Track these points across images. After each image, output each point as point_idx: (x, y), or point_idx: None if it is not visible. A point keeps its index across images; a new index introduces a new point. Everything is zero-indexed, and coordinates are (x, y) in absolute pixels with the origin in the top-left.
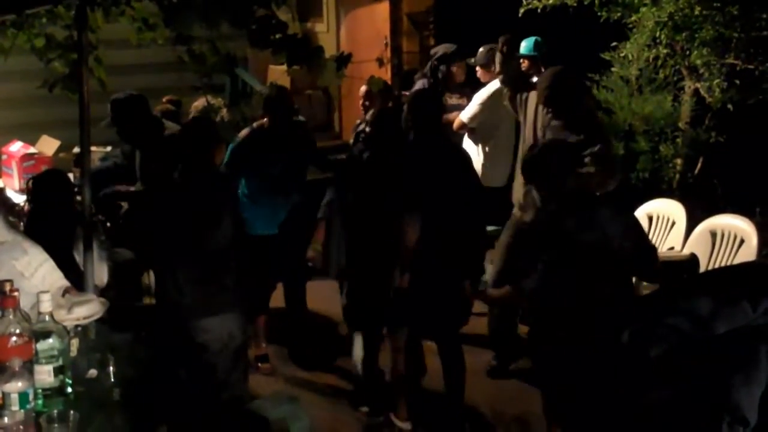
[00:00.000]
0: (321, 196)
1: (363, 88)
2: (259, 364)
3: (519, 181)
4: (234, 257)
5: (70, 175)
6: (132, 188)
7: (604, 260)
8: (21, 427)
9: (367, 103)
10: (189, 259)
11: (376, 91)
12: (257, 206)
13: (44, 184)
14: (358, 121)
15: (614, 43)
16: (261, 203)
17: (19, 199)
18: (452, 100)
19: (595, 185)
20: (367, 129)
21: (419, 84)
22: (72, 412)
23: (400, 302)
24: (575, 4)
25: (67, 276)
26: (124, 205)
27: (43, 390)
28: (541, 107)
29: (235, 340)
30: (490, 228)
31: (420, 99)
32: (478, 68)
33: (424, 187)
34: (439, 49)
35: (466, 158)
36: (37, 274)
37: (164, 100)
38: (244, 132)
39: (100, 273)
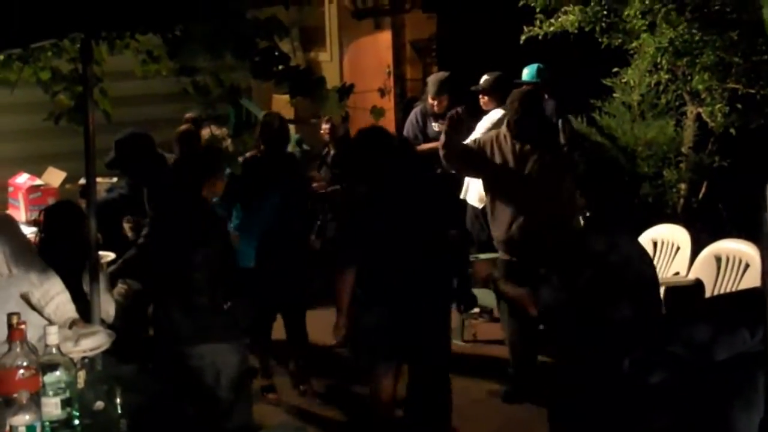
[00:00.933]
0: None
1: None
2: (266, 394)
3: (503, 221)
4: (220, 286)
5: None
6: (139, 220)
7: (626, 283)
8: None
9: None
10: (174, 286)
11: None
12: (251, 238)
13: (56, 215)
14: (326, 151)
15: (615, 69)
16: (255, 235)
17: (27, 230)
18: (440, 127)
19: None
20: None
21: (414, 110)
22: None
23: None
24: (576, 31)
25: (76, 307)
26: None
27: (51, 422)
28: (504, 139)
29: (228, 368)
30: (492, 255)
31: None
32: (480, 96)
33: (376, 226)
34: (429, 78)
35: (434, 183)
36: (51, 303)
37: (187, 117)
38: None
39: (106, 307)
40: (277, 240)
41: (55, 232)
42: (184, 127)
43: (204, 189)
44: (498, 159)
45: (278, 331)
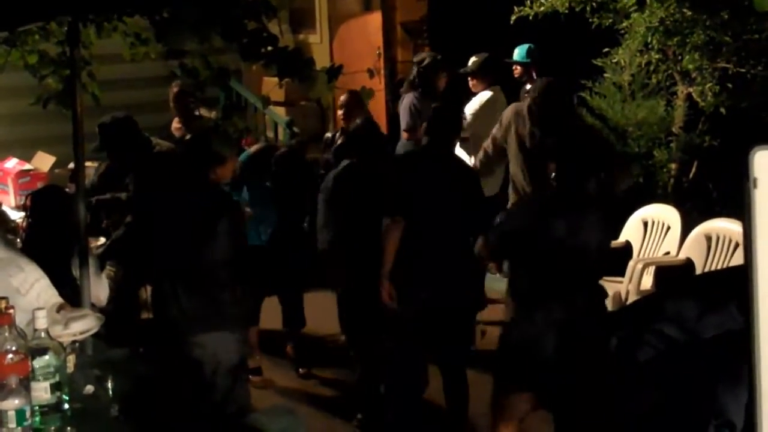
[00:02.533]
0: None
1: (342, 98)
2: (251, 377)
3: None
4: (230, 274)
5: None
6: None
7: (578, 263)
8: None
9: (342, 112)
10: (184, 273)
11: (354, 101)
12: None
13: (43, 199)
14: (329, 135)
15: (606, 49)
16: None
17: (16, 215)
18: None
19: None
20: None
21: (407, 98)
22: (69, 428)
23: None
24: (567, 11)
25: (64, 291)
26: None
27: (40, 407)
28: (524, 119)
29: (230, 356)
30: None
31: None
32: (469, 78)
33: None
34: (425, 58)
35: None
36: (32, 290)
37: (174, 87)
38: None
39: (98, 291)
40: (273, 221)
41: (41, 216)
42: (176, 88)
43: (212, 173)
44: (521, 129)
45: (272, 319)
